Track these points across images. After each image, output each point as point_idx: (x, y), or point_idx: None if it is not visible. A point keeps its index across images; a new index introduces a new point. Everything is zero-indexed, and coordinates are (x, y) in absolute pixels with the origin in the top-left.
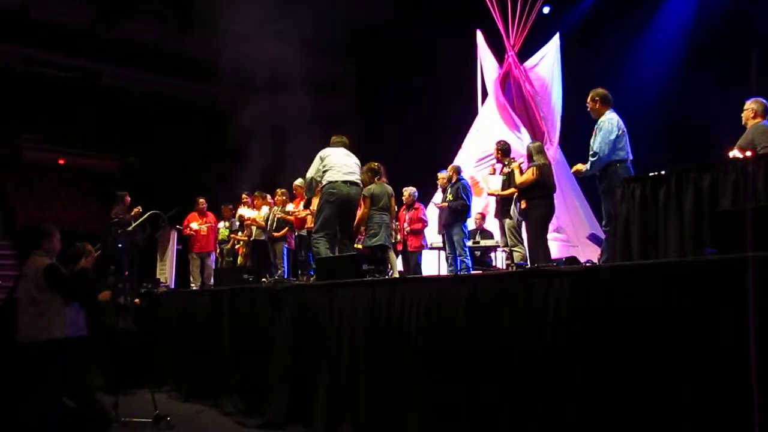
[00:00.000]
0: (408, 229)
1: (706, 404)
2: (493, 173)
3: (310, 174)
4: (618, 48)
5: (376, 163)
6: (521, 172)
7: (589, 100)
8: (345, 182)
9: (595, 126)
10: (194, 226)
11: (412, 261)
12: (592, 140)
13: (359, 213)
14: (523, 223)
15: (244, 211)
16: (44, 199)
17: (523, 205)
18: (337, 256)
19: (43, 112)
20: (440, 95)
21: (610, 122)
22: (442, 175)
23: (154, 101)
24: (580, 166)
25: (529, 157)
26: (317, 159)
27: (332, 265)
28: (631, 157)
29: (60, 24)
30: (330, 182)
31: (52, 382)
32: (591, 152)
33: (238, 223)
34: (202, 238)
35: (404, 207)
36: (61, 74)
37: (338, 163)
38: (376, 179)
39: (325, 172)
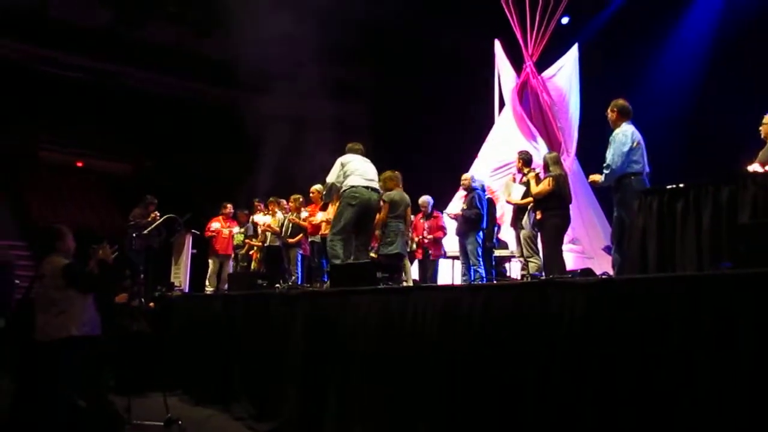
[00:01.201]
0: (429, 237)
1: (725, 421)
2: (514, 181)
3: (331, 179)
4: (637, 59)
5: (396, 171)
6: (537, 182)
7: (608, 109)
8: (366, 188)
9: (610, 137)
10: (216, 225)
11: (430, 270)
12: (607, 152)
13: (379, 217)
14: (539, 234)
15: (258, 217)
16: (61, 202)
17: (539, 216)
18: (350, 263)
19: (61, 114)
20: (457, 103)
21: (624, 134)
22: (467, 176)
23: (173, 105)
24: (597, 177)
25: (546, 168)
26: (338, 164)
27: (346, 272)
28: (647, 170)
29: (79, 25)
30: (352, 186)
31: (65, 380)
32: (604, 164)
33: (252, 229)
34: (223, 241)
35: (421, 215)
36: (79, 76)
37: (360, 168)
38: (397, 187)
39: (346, 176)
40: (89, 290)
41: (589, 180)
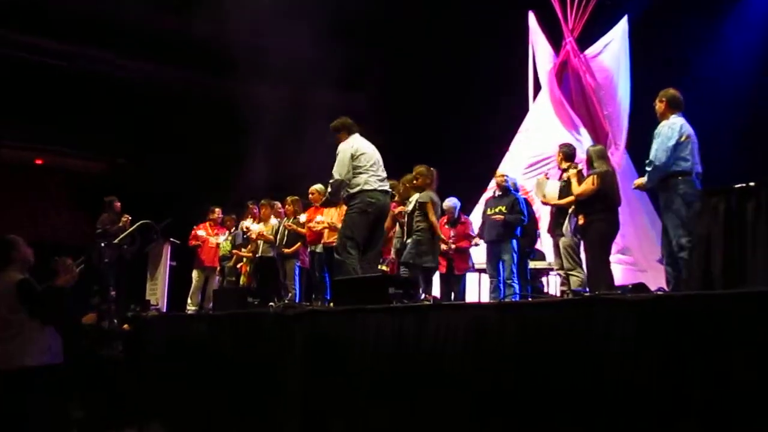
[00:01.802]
0: (454, 247)
1: None
2: (547, 178)
3: (341, 174)
4: (698, 33)
5: (431, 168)
6: (579, 181)
7: (656, 100)
8: (383, 191)
9: (655, 131)
10: (201, 233)
11: (455, 286)
12: (651, 148)
13: (432, 222)
14: (581, 242)
15: (249, 223)
16: (18, 206)
17: (581, 221)
18: (358, 278)
19: (18, 104)
20: (483, 88)
21: (670, 127)
22: (501, 173)
23: (151, 93)
24: (641, 181)
25: (589, 163)
26: (347, 153)
27: (353, 287)
28: (699, 170)
29: (40, 2)
30: (367, 191)
31: (23, 417)
32: (647, 161)
33: (241, 237)
34: (210, 251)
35: (445, 221)
36: (39, 59)
37: (374, 164)
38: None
39: (357, 173)
40: (45, 322)
41: (634, 185)
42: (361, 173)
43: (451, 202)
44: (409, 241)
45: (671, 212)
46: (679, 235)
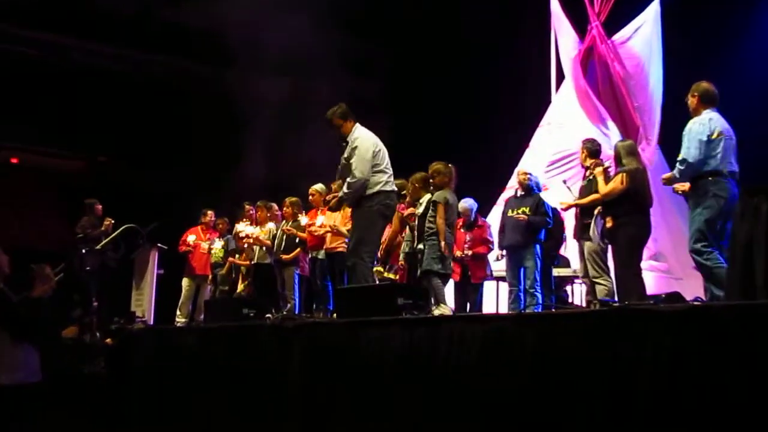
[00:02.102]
0: (470, 253)
1: None
2: (569, 188)
3: (363, 172)
4: (738, 17)
5: (450, 165)
6: (606, 180)
7: (689, 94)
8: (396, 193)
9: (685, 129)
10: (193, 238)
11: (472, 296)
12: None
13: (438, 224)
14: (609, 248)
15: (243, 227)
16: None
17: (609, 224)
18: (363, 287)
19: None
20: (501, 79)
21: (701, 123)
22: (524, 170)
23: (134, 84)
24: (671, 175)
25: (617, 160)
26: (369, 150)
27: (358, 297)
28: (733, 169)
29: None
30: (386, 192)
31: None
32: (678, 158)
33: (234, 242)
34: (202, 257)
35: (461, 224)
36: (14, 49)
37: (388, 161)
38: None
39: (376, 171)
40: (19, 338)
41: (663, 179)
42: (379, 171)
43: (467, 203)
44: (421, 246)
45: (695, 213)
46: (696, 239)
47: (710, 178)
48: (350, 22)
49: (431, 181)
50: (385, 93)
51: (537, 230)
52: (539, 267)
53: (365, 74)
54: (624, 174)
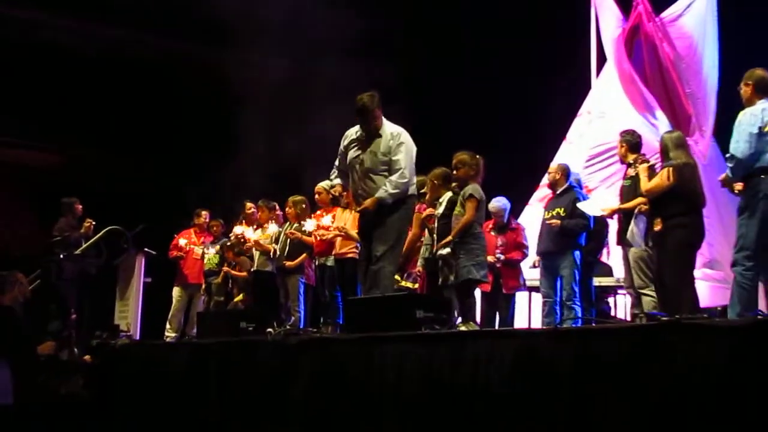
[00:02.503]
0: (503, 259)
1: None
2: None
3: (412, 172)
4: None
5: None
6: (650, 176)
7: (742, 83)
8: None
9: (736, 121)
10: (185, 243)
11: (503, 308)
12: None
13: (465, 219)
14: (656, 254)
15: (243, 229)
16: None
17: (657, 227)
18: (377, 298)
19: None
20: (534, 63)
21: (752, 114)
22: (557, 167)
23: (119, 68)
24: (725, 175)
25: (664, 153)
26: (413, 148)
27: (371, 309)
28: None
29: None
30: (414, 195)
31: None
32: (727, 155)
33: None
34: (194, 264)
35: (491, 226)
36: None
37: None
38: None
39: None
40: None
41: (720, 180)
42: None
43: (499, 203)
44: (443, 251)
45: (741, 218)
46: (739, 247)
47: (762, 176)
48: None
49: (454, 173)
50: (400, 77)
51: (574, 235)
52: (578, 276)
53: (379, 56)
54: (670, 169)
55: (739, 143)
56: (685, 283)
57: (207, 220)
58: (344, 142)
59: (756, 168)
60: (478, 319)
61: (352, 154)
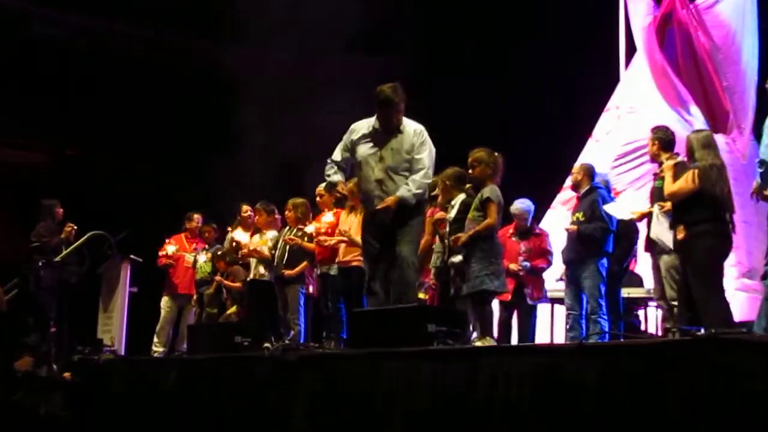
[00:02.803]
0: (528, 265)
1: None
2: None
3: (431, 173)
4: None
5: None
6: (675, 176)
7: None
8: None
9: (765, 123)
10: (171, 249)
11: (526, 321)
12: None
13: (486, 224)
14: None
15: (240, 234)
16: None
17: (680, 235)
18: (385, 310)
19: None
20: (557, 54)
21: None
22: (580, 167)
23: (109, 64)
24: (757, 185)
25: (690, 154)
26: (432, 145)
27: (378, 322)
28: None
29: None
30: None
31: None
32: (758, 159)
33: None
34: (185, 273)
35: (512, 231)
36: None
37: None
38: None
39: None
40: None
41: (753, 191)
42: None
43: (523, 204)
44: (455, 259)
45: None
46: None
47: None
48: None
49: (469, 172)
50: (411, 71)
51: (596, 242)
52: (603, 288)
53: (387, 49)
54: (695, 171)
55: None
56: (714, 295)
57: (199, 224)
58: (352, 136)
59: None
60: (495, 333)
61: (365, 150)
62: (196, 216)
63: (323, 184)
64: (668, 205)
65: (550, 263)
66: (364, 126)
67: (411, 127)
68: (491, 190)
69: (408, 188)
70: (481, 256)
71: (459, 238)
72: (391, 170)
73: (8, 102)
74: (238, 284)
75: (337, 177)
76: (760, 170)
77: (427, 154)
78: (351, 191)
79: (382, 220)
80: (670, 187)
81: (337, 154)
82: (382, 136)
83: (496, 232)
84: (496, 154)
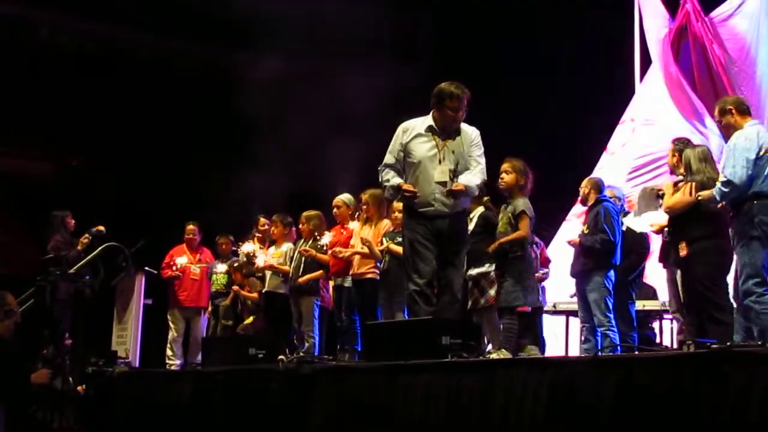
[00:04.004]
0: (547, 274)
1: None
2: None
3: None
4: None
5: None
6: (675, 189)
7: (718, 116)
8: None
9: (726, 144)
10: (182, 261)
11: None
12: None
13: (518, 234)
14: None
15: (252, 247)
16: None
17: (682, 252)
18: (399, 322)
19: None
20: (573, 67)
21: (746, 137)
22: (590, 181)
23: (114, 70)
24: (707, 194)
25: (687, 170)
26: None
27: (393, 335)
28: None
29: None
30: None
31: None
32: (721, 179)
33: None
34: (192, 285)
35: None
36: None
37: None
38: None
39: None
40: None
41: (701, 197)
42: None
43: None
44: (473, 272)
45: (740, 245)
46: (747, 276)
47: (757, 202)
48: None
49: (501, 179)
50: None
51: (600, 252)
52: (610, 301)
53: (402, 59)
54: (693, 184)
55: (736, 168)
56: (721, 311)
57: (194, 235)
58: (405, 137)
59: (749, 194)
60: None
61: (422, 151)
62: (190, 226)
63: (342, 196)
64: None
65: (546, 275)
66: (418, 125)
67: (469, 129)
68: (525, 203)
69: (472, 176)
70: (515, 272)
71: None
72: (453, 173)
73: (14, 112)
74: (254, 295)
75: (397, 179)
76: (725, 189)
77: (483, 156)
78: (366, 203)
79: (440, 227)
80: (669, 199)
81: (390, 158)
82: (440, 137)
83: (529, 246)
84: (521, 161)
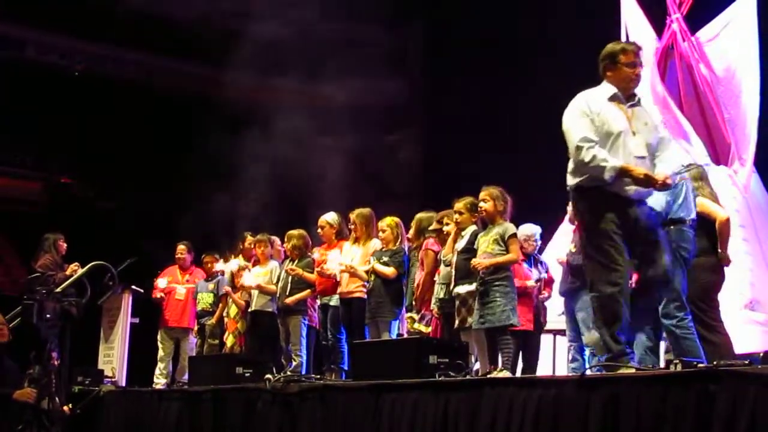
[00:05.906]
0: (547, 296)
1: None
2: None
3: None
4: None
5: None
6: None
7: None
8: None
9: None
10: (162, 284)
11: (536, 352)
12: None
13: (509, 258)
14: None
15: (239, 264)
16: None
17: None
18: (386, 342)
19: None
20: (560, 85)
21: None
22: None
23: (105, 87)
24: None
25: None
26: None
27: (379, 354)
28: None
29: None
30: None
31: None
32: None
33: (227, 285)
34: (177, 306)
35: (522, 258)
36: None
37: None
38: None
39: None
40: None
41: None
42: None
43: (531, 229)
44: (460, 290)
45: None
46: (668, 300)
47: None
48: (373, 5)
49: (480, 207)
50: (414, 97)
51: (581, 271)
52: None
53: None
54: None
55: None
56: (710, 330)
57: (184, 255)
58: (593, 106)
59: (667, 219)
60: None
61: (616, 123)
62: (180, 247)
63: (326, 216)
64: None
65: (549, 295)
66: (601, 94)
67: (644, 99)
68: (513, 228)
69: (676, 167)
70: (505, 292)
71: (480, 263)
72: (650, 149)
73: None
74: (242, 302)
75: (614, 160)
76: (681, 227)
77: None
78: (354, 223)
79: (639, 215)
80: None
81: (588, 130)
82: (624, 107)
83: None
84: (506, 193)
